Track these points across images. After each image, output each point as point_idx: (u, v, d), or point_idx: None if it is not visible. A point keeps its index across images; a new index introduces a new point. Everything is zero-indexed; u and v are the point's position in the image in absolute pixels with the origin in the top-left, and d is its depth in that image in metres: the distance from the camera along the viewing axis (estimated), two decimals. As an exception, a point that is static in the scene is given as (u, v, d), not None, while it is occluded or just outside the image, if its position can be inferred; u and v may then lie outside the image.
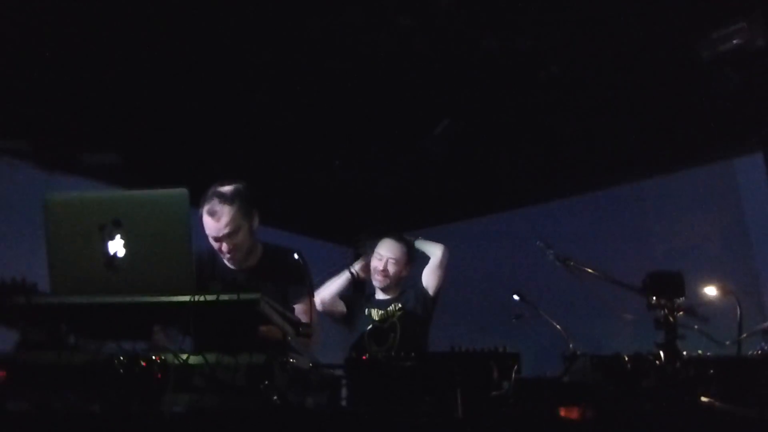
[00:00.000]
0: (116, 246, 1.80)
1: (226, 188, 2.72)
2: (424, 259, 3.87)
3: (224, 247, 2.70)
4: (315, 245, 6.76)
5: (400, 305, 3.72)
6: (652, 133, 4.81)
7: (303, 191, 5.92)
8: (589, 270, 2.54)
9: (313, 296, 2.79)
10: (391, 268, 3.75)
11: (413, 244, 3.89)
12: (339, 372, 2.00)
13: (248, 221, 2.74)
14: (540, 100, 4.63)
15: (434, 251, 3.84)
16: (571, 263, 2.62)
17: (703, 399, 1.56)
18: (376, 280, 3.79)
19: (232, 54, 4.10)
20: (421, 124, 4.96)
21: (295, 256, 2.70)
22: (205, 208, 2.67)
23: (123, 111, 4.51)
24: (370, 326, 3.61)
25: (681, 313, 1.96)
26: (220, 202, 2.66)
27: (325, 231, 6.92)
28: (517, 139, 5.15)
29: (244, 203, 2.71)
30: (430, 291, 3.79)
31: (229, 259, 2.76)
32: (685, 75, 4.26)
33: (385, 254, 3.77)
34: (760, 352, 1.93)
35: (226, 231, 2.66)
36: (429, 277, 3.82)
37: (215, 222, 2.65)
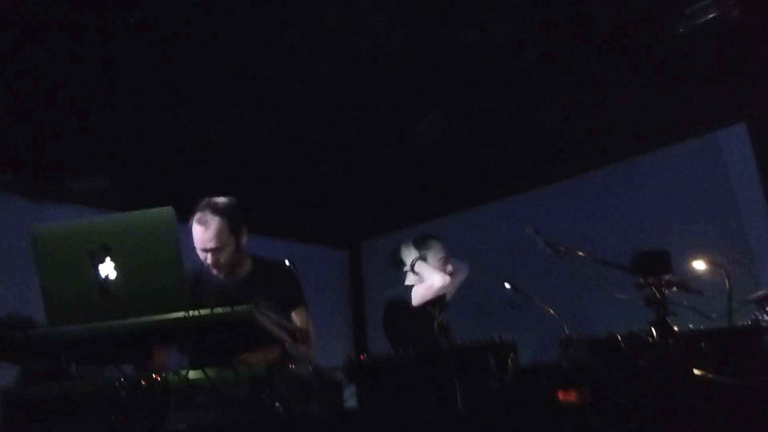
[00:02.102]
0: (107, 270, 1.81)
1: (219, 200, 2.75)
2: None
3: (210, 259, 2.71)
4: (308, 250, 6.78)
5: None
6: (634, 112, 4.83)
7: (292, 197, 5.93)
8: (580, 253, 2.55)
9: (305, 303, 2.79)
10: None
11: None
12: (340, 375, 2.02)
13: (236, 238, 2.75)
14: (520, 87, 4.65)
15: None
16: (562, 248, 2.63)
17: (697, 372, 1.58)
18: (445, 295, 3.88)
19: (211, 62, 4.11)
20: (405, 121, 4.98)
21: (286, 262, 2.72)
22: (196, 217, 2.69)
23: (106, 132, 4.52)
24: (438, 320, 3.74)
25: (674, 289, 1.99)
26: (212, 212, 2.69)
27: (318, 235, 6.94)
28: (501, 127, 5.16)
29: (233, 219, 2.73)
30: None
31: (215, 272, 2.77)
32: (664, 50, 4.27)
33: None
34: (750, 322, 1.95)
35: (212, 244, 2.67)
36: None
37: (204, 232, 2.67)
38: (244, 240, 2.81)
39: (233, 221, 2.72)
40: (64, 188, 4.73)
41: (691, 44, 4.14)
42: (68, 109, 4.22)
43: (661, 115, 4.86)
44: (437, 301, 3.81)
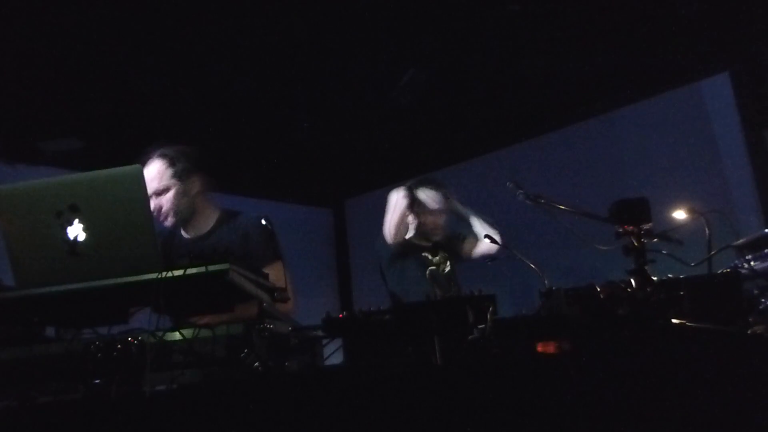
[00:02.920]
0: (76, 231, 1.76)
1: (168, 147, 2.65)
2: None
3: (152, 205, 2.57)
4: (291, 210, 6.76)
5: (445, 254, 3.66)
6: (616, 62, 4.77)
7: (274, 157, 5.86)
8: (560, 206, 2.53)
9: (282, 260, 2.72)
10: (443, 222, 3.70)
11: None
12: (320, 332, 1.99)
13: (181, 183, 2.63)
14: (502, 41, 4.57)
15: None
16: (542, 200, 2.61)
17: (675, 320, 1.58)
18: (437, 234, 3.67)
19: (189, 19, 3.99)
20: (387, 77, 4.89)
21: (263, 221, 2.65)
22: None
23: (81, 92, 4.41)
24: (431, 268, 3.53)
25: (655, 240, 1.97)
26: (154, 156, 2.61)
27: (301, 194, 6.90)
28: (483, 82, 5.10)
29: (177, 161, 2.62)
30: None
31: (163, 221, 2.65)
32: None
33: (442, 209, 3.66)
34: (729, 270, 1.95)
35: (150, 186, 2.54)
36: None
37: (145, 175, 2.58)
38: (195, 188, 2.67)
39: (177, 164, 2.61)
40: (38, 150, 4.62)
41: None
42: (41, 69, 4.10)
43: (643, 66, 4.81)
44: (429, 243, 3.65)
